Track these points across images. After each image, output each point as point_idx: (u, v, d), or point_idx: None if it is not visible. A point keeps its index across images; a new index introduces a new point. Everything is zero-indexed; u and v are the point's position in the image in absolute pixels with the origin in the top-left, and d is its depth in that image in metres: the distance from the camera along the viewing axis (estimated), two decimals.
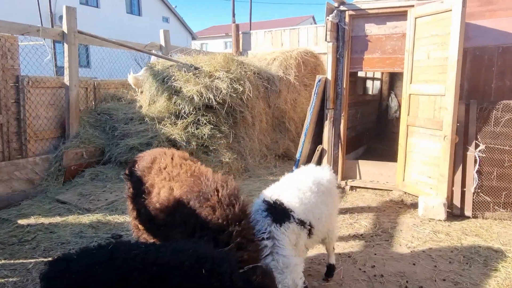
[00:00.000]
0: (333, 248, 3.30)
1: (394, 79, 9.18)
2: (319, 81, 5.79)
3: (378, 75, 9.12)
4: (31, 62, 5.99)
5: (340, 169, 5.97)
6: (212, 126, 6.37)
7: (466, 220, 4.59)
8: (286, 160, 7.54)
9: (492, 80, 5.02)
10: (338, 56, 5.80)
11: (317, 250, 3.58)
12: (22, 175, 5.49)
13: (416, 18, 5.19)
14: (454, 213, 4.71)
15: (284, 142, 7.63)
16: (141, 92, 7.13)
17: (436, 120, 4.91)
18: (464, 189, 4.71)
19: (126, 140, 6.12)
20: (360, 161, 6.14)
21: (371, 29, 5.72)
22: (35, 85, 5.80)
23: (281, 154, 7.56)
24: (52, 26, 6.16)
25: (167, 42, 8.34)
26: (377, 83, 9.39)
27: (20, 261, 3.60)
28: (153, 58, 7.63)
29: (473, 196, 4.63)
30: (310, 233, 2.76)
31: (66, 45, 5.98)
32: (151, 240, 2.54)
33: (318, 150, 5.91)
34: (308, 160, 5.92)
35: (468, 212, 4.64)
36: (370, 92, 8.98)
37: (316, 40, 9.07)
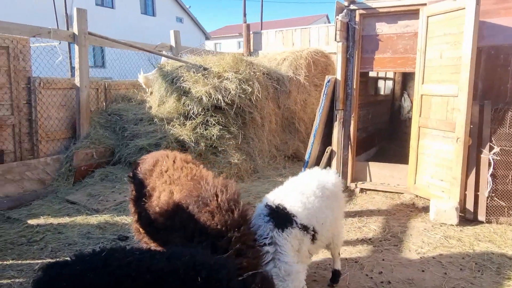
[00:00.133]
0: (339, 253, 3.23)
1: (407, 79, 9.01)
2: (328, 81, 5.70)
3: (390, 74, 8.95)
4: (42, 63, 6.07)
5: (350, 171, 5.88)
6: (221, 127, 6.35)
7: (480, 225, 4.45)
8: (296, 161, 7.47)
9: (507, 80, 4.85)
10: (348, 56, 5.71)
11: (323, 254, 3.51)
12: (33, 175, 5.57)
13: (428, 16, 5.06)
14: (467, 218, 4.57)
15: (294, 143, 7.56)
16: (151, 92, 7.16)
17: (448, 122, 4.78)
18: (478, 193, 4.56)
19: (135, 140, 6.15)
20: (371, 163, 6.03)
21: (382, 28, 5.61)
22: (47, 86, 5.88)
23: (290, 155, 7.49)
24: (68, 28, 6.24)
25: (178, 42, 8.35)
26: (389, 83, 9.22)
27: (28, 261, 3.64)
28: (163, 59, 7.66)
29: (487, 200, 4.48)
30: (313, 238, 2.70)
31: (76, 47, 6.04)
32: (151, 243, 2.53)
33: (327, 152, 5.83)
34: (317, 162, 5.84)
35: (481, 217, 4.49)
36: (382, 92, 8.82)
37: (327, 39, 8.96)
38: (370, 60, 5.71)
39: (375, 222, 4.60)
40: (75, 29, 6.04)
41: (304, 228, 2.62)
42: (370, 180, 5.92)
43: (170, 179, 2.54)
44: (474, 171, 4.62)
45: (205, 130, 6.25)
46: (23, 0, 16.18)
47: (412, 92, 7.30)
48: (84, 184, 5.77)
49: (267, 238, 2.49)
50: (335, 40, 5.68)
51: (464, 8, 4.52)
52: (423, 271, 3.41)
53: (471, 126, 4.63)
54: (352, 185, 5.82)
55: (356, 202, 5.37)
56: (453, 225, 4.42)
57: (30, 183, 5.49)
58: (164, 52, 7.89)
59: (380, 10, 5.48)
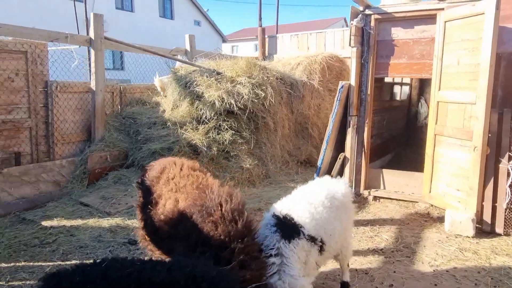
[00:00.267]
0: (348, 264, 3.16)
1: (424, 84, 8.81)
2: (342, 87, 5.63)
3: (407, 80, 8.78)
4: (59, 67, 6.19)
5: (363, 178, 5.77)
6: (233, 132, 6.34)
7: (497, 237, 4.29)
8: (309, 166, 7.39)
9: None
10: (362, 61, 5.62)
11: (333, 265, 3.45)
12: (49, 177, 5.67)
13: (445, 22, 4.93)
14: (484, 230, 4.42)
15: (307, 148, 7.50)
16: (165, 96, 7.22)
17: (465, 130, 4.64)
18: (496, 204, 4.40)
19: (148, 144, 6.21)
20: (385, 170, 5.91)
21: (398, 33, 5.50)
22: (63, 90, 5.99)
23: (303, 160, 7.42)
24: (87, 32, 6.41)
25: (193, 47, 8.41)
26: (406, 88, 9.04)
27: (39, 263, 3.70)
28: (177, 63, 7.72)
29: (505, 212, 4.32)
30: (321, 250, 2.65)
31: (92, 51, 6.15)
32: (156, 251, 2.52)
33: (340, 158, 5.74)
34: (329, 168, 5.77)
35: (499, 229, 4.34)
36: (398, 98, 8.66)
37: (343, 44, 8.86)
38: (385, 66, 5.60)
39: (387, 232, 4.50)
40: (91, 34, 6.14)
41: (312, 239, 2.57)
42: (384, 188, 5.80)
43: (176, 187, 2.53)
44: (492, 181, 4.46)
45: (218, 134, 6.26)
46: (46, 5, 16.62)
47: (429, 98, 7.14)
48: (97, 186, 5.85)
49: (273, 249, 2.45)
50: (350, 45, 5.60)
51: (483, 13, 4.39)
52: (435, 285, 3.30)
53: (489, 134, 4.48)
54: (365, 193, 5.71)
55: (369, 210, 5.26)
56: (469, 237, 4.27)
57: (45, 185, 5.60)
58: (179, 57, 7.95)
59: (396, 15, 5.37)
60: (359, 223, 4.72)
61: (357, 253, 3.89)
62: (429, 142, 5.23)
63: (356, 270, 3.54)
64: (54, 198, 5.47)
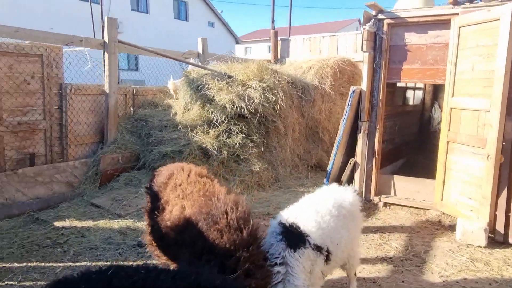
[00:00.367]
0: (355, 274, 3.13)
1: (438, 89, 8.68)
2: (353, 92, 5.59)
3: (420, 84, 8.66)
4: (73, 70, 6.30)
5: (374, 184, 5.72)
6: (243, 136, 6.36)
7: (510, 248, 4.20)
8: (319, 171, 7.36)
9: None
10: (374, 66, 5.57)
11: (340, 273, 3.42)
12: (62, 178, 5.78)
13: (460, 27, 4.85)
14: (497, 240, 4.32)
15: (317, 152, 7.46)
16: (177, 98, 7.29)
17: (479, 138, 4.55)
18: (509, 214, 4.31)
19: (159, 147, 6.27)
20: (396, 177, 5.84)
21: (411, 38, 5.44)
22: (77, 92, 6.10)
23: (313, 165, 7.39)
24: (103, 34, 6.53)
25: (205, 50, 8.46)
26: (419, 93, 8.92)
27: (50, 264, 3.77)
28: (190, 66, 7.78)
29: None
30: (327, 259, 2.64)
31: (106, 54, 6.24)
32: (162, 257, 2.55)
33: (350, 163, 5.70)
34: (340, 173, 5.73)
35: None
36: (410, 103, 8.54)
37: (355, 47, 8.80)
38: (398, 71, 5.54)
39: (397, 240, 4.45)
40: (105, 37, 6.24)
41: (318, 248, 2.56)
42: (395, 194, 5.73)
43: (183, 194, 2.55)
44: (505, 190, 4.37)
45: (228, 138, 6.28)
46: (62, 8, 16.94)
47: (443, 103, 7.03)
48: (109, 188, 5.93)
49: (278, 257, 2.45)
50: (362, 50, 5.56)
51: (499, 19, 4.30)
52: None
53: (504, 143, 4.38)
54: (376, 199, 5.66)
55: (379, 217, 5.21)
56: (480, 247, 4.19)
57: (59, 186, 5.71)
58: (191, 60, 8.01)
59: (410, 20, 5.31)
60: (368, 230, 4.68)
61: (365, 261, 3.86)
62: (442, 149, 5.16)
63: (364, 278, 3.51)
64: (66, 198, 5.56)
